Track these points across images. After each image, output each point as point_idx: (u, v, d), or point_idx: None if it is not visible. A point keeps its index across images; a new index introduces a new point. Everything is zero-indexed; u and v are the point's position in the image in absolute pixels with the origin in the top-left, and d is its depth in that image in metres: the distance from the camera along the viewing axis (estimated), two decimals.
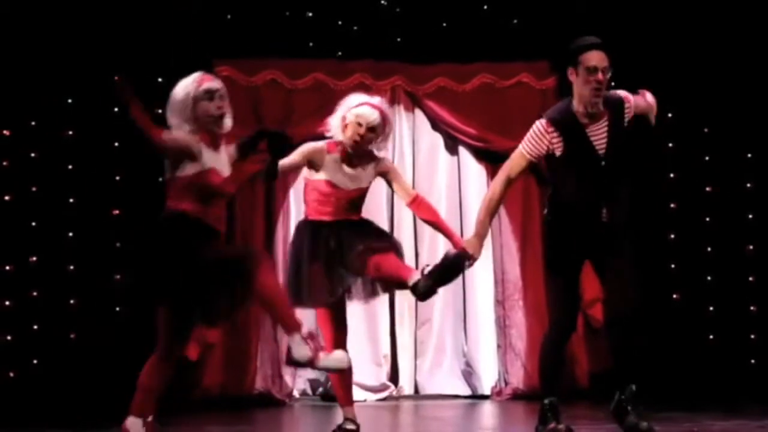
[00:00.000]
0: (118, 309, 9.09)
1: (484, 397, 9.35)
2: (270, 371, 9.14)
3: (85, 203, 9.23)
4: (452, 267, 5.79)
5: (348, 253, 5.92)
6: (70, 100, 9.27)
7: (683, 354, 9.51)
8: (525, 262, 9.37)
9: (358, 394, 9.13)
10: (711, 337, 9.74)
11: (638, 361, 5.83)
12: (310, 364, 5.06)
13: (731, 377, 9.50)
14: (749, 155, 9.89)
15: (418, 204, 6.17)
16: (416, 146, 9.74)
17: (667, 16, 9.61)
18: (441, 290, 5.95)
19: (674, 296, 9.39)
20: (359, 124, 6.00)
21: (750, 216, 9.86)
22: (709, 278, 9.79)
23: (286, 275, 6.13)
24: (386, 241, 6.10)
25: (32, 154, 9.25)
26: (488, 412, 8.65)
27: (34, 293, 9.14)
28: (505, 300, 9.47)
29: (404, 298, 9.34)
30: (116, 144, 9.25)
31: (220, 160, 5.20)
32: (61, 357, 9.04)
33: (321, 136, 9.44)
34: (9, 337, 9.06)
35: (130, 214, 9.17)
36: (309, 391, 9.40)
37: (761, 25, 9.67)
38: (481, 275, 9.41)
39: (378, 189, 8.22)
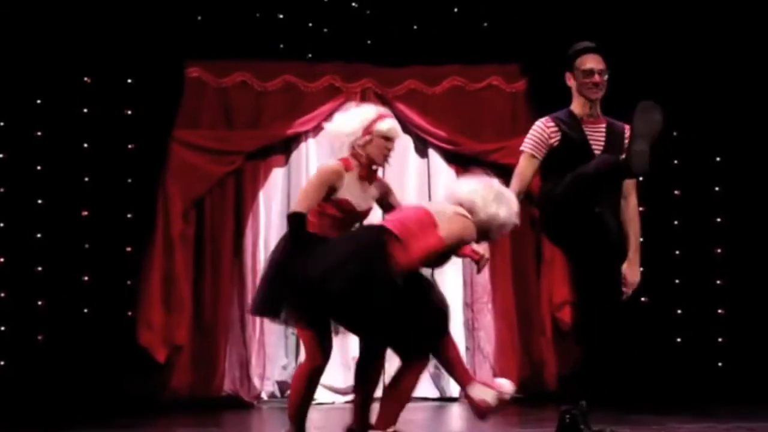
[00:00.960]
0: (86, 310, 9.05)
1: (453, 400, 9.34)
2: (238, 373, 9.13)
3: (53, 204, 9.18)
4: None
5: None
6: (39, 101, 9.22)
7: (651, 356, 9.54)
8: (494, 266, 9.36)
9: (326, 396, 9.14)
10: (679, 339, 9.78)
11: (601, 371, 5.85)
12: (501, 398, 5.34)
13: (699, 380, 9.53)
14: (717, 159, 9.94)
15: None
16: None
17: (635, 21, 9.63)
18: None
19: (642, 299, 9.42)
20: (388, 139, 5.59)
21: (718, 219, 9.90)
22: (677, 281, 9.83)
23: (265, 283, 5.60)
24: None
25: (0, 155, 9.20)
26: (457, 414, 8.64)
27: (2, 294, 9.10)
28: (474, 303, 9.49)
29: None
30: (85, 145, 9.22)
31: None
32: (29, 358, 8.98)
33: (290, 138, 9.46)
34: None
35: (98, 216, 9.15)
36: (277, 394, 9.38)
37: (728, 30, 9.71)
38: (450, 278, 9.38)
39: None
